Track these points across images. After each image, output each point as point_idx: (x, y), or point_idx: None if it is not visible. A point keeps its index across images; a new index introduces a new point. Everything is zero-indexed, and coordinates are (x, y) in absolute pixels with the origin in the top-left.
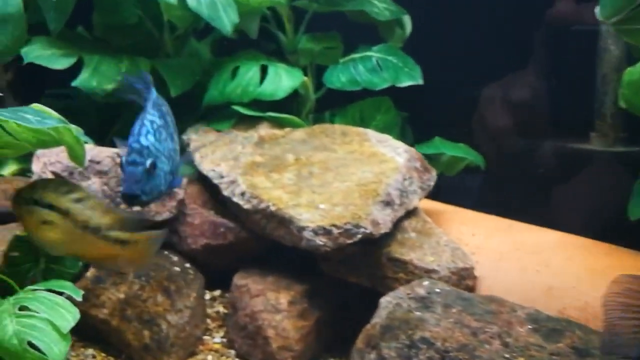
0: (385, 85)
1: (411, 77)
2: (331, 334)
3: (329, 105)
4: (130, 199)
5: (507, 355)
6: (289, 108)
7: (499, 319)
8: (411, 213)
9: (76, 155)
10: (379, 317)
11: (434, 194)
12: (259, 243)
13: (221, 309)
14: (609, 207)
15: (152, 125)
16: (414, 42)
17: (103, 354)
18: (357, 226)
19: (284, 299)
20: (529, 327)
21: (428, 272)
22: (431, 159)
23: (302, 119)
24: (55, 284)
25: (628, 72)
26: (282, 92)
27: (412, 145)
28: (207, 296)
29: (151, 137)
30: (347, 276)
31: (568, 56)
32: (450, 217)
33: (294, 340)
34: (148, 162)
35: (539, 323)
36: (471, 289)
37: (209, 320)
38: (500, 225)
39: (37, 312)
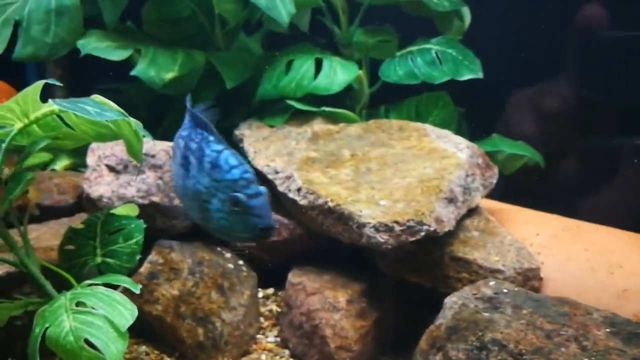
0: (445, 79)
1: (471, 71)
2: (388, 334)
3: (383, 101)
4: (270, 231)
5: (584, 359)
6: (342, 103)
7: (573, 322)
8: (473, 211)
9: (134, 149)
10: (444, 318)
11: (493, 193)
12: (314, 240)
13: (275, 308)
14: None
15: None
16: (473, 35)
17: (157, 352)
18: (421, 223)
19: (342, 297)
20: (607, 330)
21: (493, 272)
22: (489, 156)
23: (356, 114)
24: (113, 278)
25: None
26: (337, 86)
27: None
28: (261, 294)
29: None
30: (407, 275)
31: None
32: (513, 217)
33: (353, 341)
34: (264, 189)
35: (617, 326)
36: (537, 290)
37: (262, 319)
38: (566, 225)
39: (95, 309)
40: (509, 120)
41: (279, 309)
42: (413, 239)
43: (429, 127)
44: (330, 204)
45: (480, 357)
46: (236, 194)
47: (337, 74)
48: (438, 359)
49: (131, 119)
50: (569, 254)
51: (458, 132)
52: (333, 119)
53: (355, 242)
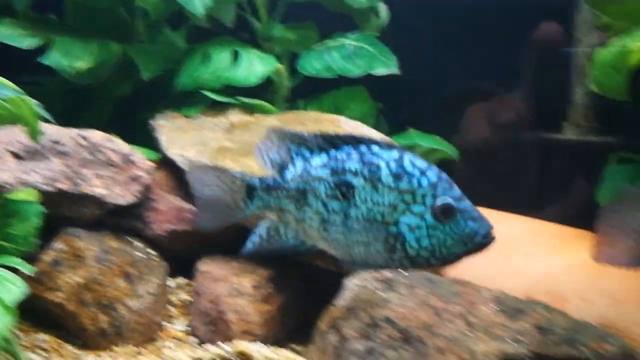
0: (360, 73)
1: (386, 66)
2: (296, 319)
3: (307, 96)
4: (492, 237)
5: (469, 333)
6: (262, 96)
7: (463, 300)
8: None
9: (32, 129)
10: (343, 299)
11: None
12: (226, 229)
13: (186, 297)
14: (581, 193)
15: None
16: (393, 33)
17: (58, 340)
18: None
19: (248, 283)
20: (494, 307)
21: None
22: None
23: (276, 107)
24: (6, 259)
25: (597, 52)
26: (255, 78)
27: (386, 135)
28: (172, 284)
29: None
30: (313, 260)
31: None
32: None
33: (257, 325)
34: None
35: (505, 304)
36: (439, 274)
37: (172, 308)
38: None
39: None
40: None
41: (190, 299)
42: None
43: (342, 119)
44: None
45: (370, 334)
46: (445, 199)
47: (255, 66)
48: (333, 339)
49: (30, 99)
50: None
51: (376, 126)
52: (250, 110)
53: None
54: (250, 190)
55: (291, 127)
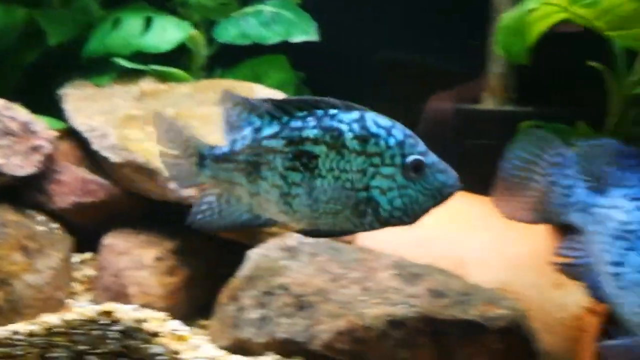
0: (277, 40)
1: (305, 33)
2: (207, 293)
3: (229, 64)
4: (458, 185)
5: (362, 298)
6: (179, 63)
7: (363, 266)
8: None
9: None
10: (244, 270)
11: None
12: (133, 201)
13: (91, 272)
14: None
15: None
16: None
17: None
18: None
19: (150, 255)
20: (392, 272)
21: None
22: None
23: (193, 75)
24: None
25: (503, 18)
26: (168, 45)
27: None
28: (77, 259)
29: None
30: (219, 232)
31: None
32: None
33: (158, 297)
34: None
35: (403, 269)
36: (349, 243)
37: (77, 284)
38: None
39: None
40: None
41: (95, 273)
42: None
43: (257, 87)
44: (140, 160)
45: (266, 302)
46: (414, 157)
47: (168, 32)
48: (232, 309)
49: None
50: None
51: (298, 95)
52: (164, 78)
53: (164, 199)
54: (201, 158)
55: (204, 95)
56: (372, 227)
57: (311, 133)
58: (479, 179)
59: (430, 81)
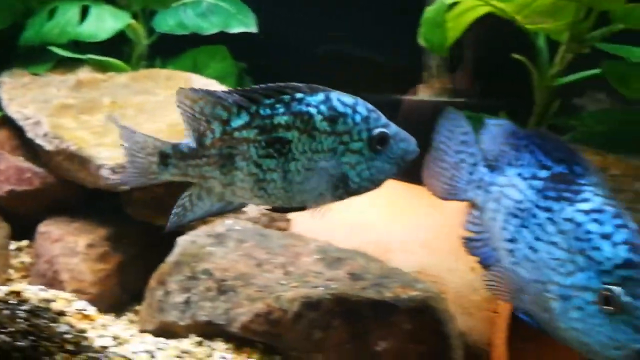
0: (214, 31)
1: (243, 24)
2: (142, 281)
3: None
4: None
5: (283, 282)
6: (119, 53)
7: (289, 252)
8: None
9: None
10: (173, 255)
11: None
12: (68, 189)
13: (27, 259)
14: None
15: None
16: None
17: None
18: None
19: (82, 242)
20: (316, 257)
21: (236, 213)
22: None
23: (134, 65)
24: None
25: (426, 11)
26: (104, 34)
27: None
28: (13, 246)
29: None
30: (153, 218)
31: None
32: None
33: (89, 283)
34: None
35: (326, 254)
36: (284, 230)
37: (12, 271)
38: None
39: None
40: None
41: (31, 260)
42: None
43: (195, 77)
44: (73, 148)
45: (190, 286)
46: (379, 130)
47: (105, 21)
48: (160, 294)
49: None
50: None
51: (239, 85)
52: (103, 68)
53: (97, 186)
54: (163, 157)
55: (141, 85)
56: (341, 198)
57: (282, 119)
58: (416, 167)
59: (370, 73)
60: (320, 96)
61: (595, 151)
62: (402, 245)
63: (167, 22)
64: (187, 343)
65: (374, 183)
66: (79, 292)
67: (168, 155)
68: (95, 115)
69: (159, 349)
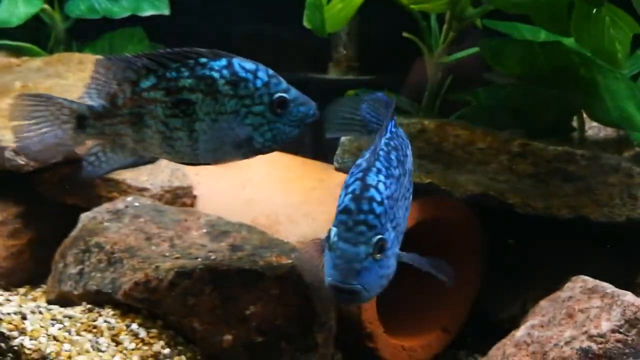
0: (126, 14)
1: (155, 7)
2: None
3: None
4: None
5: (166, 254)
6: (35, 38)
7: (180, 226)
8: None
9: None
10: (75, 230)
11: None
12: None
13: None
14: None
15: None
16: None
17: None
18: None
19: None
20: (204, 231)
21: (140, 191)
22: None
23: (52, 49)
24: None
25: None
26: (17, 19)
27: None
28: None
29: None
30: (64, 198)
31: None
32: None
33: (1, 258)
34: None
35: (214, 228)
36: (190, 206)
37: None
38: None
39: None
40: None
41: None
42: (52, 160)
43: None
44: None
45: (84, 259)
46: (279, 94)
47: (18, 7)
48: (60, 266)
49: None
50: (219, 173)
51: None
52: (18, 53)
53: (2, 167)
54: (81, 120)
55: (53, 69)
56: (246, 157)
57: (187, 82)
58: (316, 143)
59: (284, 51)
60: (223, 61)
61: (464, 125)
62: (288, 217)
63: (78, 7)
64: (78, 310)
65: (276, 143)
66: None
67: (85, 117)
68: (5, 99)
69: (33, 312)
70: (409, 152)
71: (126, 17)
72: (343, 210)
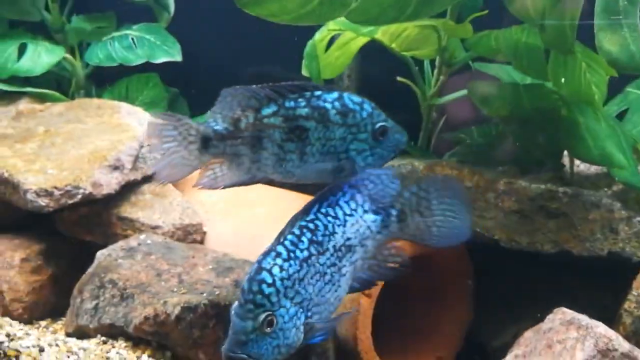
0: (140, 61)
1: (168, 54)
2: (71, 288)
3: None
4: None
5: (174, 289)
6: (58, 84)
7: (188, 263)
8: (151, 178)
9: None
10: (91, 267)
11: None
12: (7, 211)
13: None
14: None
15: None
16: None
17: None
18: (77, 187)
19: (18, 256)
20: (210, 267)
21: (154, 228)
22: None
23: (73, 94)
24: None
25: (307, 45)
26: (40, 69)
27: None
28: None
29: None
30: (82, 235)
31: None
32: None
33: (24, 293)
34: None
35: (219, 264)
36: (200, 242)
37: None
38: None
39: None
40: None
41: None
42: (72, 201)
43: (124, 105)
44: (5, 175)
45: (99, 294)
46: (380, 124)
47: (42, 57)
48: (78, 301)
49: None
50: (228, 210)
51: (173, 109)
52: (41, 99)
53: (26, 207)
54: (205, 140)
55: (74, 113)
56: (347, 178)
57: (303, 111)
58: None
59: None
60: (335, 94)
61: (452, 165)
62: None
63: (97, 55)
64: (93, 342)
65: (375, 166)
66: (16, 301)
67: (210, 138)
68: (28, 143)
69: (50, 345)
70: (347, 229)
71: (142, 64)
72: (241, 289)
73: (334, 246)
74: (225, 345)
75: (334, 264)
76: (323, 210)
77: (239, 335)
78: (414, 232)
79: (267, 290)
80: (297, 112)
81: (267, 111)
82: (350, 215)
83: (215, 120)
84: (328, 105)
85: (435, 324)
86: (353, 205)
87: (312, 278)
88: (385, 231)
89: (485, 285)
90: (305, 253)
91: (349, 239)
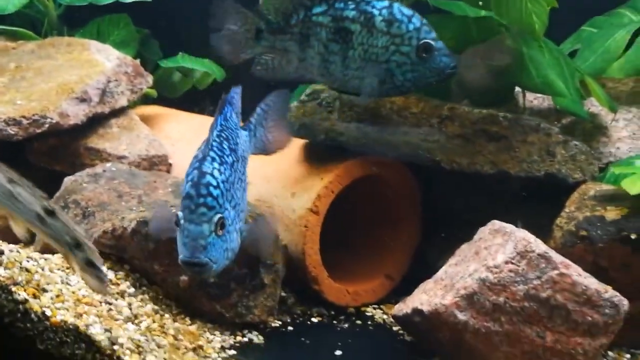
0: (110, 1)
1: None
2: None
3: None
4: (455, 69)
5: (133, 208)
6: (33, 26)
7: (149, 187)
8: (120, 112)
9: None
10: (59, 192)
11: None
12: None
13: None
14: None
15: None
16: None
17: None
18: (44, 117)
19: None
20: (169, 190)
21: (120, 158)
22: (186, 75)
23: (43, 35)
24: None
25: None
26: (13, 6)
27: (159, 59)
28: None
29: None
30: (51, 165)
31: None
32: (168, 118)
33: None
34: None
35: (179, 187)
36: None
37: None
38: (205, 121)
39: None
40: None
41: None
42: (40, 130)
43: (93, 43)
44: None
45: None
46: (426, 40)
47: None
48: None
49: None
50: (197, 144)
51: (145, 50)
52: (14, 37)
53: None
54: (258, 32)
55: (45, 51)
56: (388, 94)
57: (350, 14)
58: None
59: None
60: (385, 3)
61: None
62: (251, 178)
63: None
64: (56, 256)
65: (415, 85)
66: None
67: (261, 30)
68: (1, 78)
69: (11, 251)
70: (240, 141)
71: (113, 5)
72: (186, 197)
73: (241, 155)
74: (182, 254)
75: (243, 172)
76: (223, 122)
77: (197, 241)
78: (258, 145)
79: (215, 192)
80: (344, 14)
81: (317, 10)
82: (237, 129)
83: (268, 15)
84: (375, 12)
85: (385, 244)
86: (235, 119)
87: (236, 183)
88: (251, 145)
89: (431, 207)
90: (230, 159)
91: (243, 150)
